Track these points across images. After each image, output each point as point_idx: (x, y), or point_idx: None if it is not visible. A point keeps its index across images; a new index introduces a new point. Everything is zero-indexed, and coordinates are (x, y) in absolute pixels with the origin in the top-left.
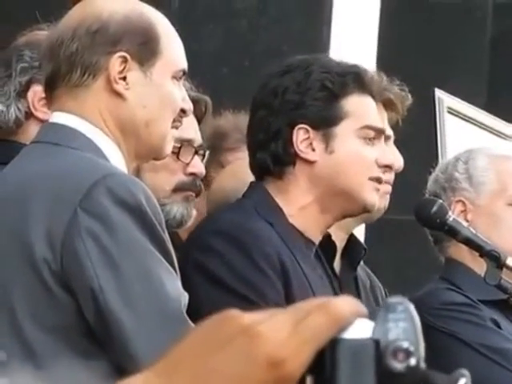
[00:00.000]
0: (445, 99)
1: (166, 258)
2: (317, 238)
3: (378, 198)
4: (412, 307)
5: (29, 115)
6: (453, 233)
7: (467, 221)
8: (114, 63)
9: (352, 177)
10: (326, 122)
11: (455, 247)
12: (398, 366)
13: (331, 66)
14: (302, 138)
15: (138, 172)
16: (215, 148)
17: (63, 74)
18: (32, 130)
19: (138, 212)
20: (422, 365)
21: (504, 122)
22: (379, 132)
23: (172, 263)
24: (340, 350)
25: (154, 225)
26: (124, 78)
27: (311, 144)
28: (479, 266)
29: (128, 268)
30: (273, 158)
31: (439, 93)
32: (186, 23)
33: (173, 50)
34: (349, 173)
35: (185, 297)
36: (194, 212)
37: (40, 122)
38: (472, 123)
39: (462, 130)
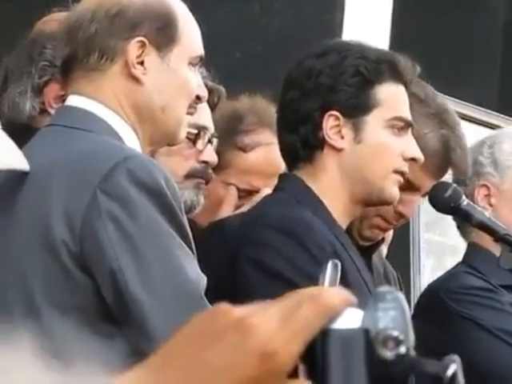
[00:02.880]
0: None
1: (184, 240)
2: (344, 224)
3: (397, 191)
4: (401, 296)
5: (43, 111)
6: (466, 217)
7: (491, 205)
8: (132, 48)
9: (377, 168)
10: (357, 110)
11: (477, 232)
12: (387, 354)
13: (367, 53)
14: (332, 124)
15: (152, 156)
16: (231, 130)
17: (80, 56)
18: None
19: (157, 194)
20: (412, 353)
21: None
22: (408, 124)
23: (190, 246)
24: (330, 340)
25: (173, 208)
26: (141, 63)
27: (340, 131)
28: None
29: (148, 250)
30: (302, 142)
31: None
32: (199, 7)
33: (190, 36)
34: (374, 164)
35: (203, 279)
36: (203, 199)
37: None
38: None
39: None
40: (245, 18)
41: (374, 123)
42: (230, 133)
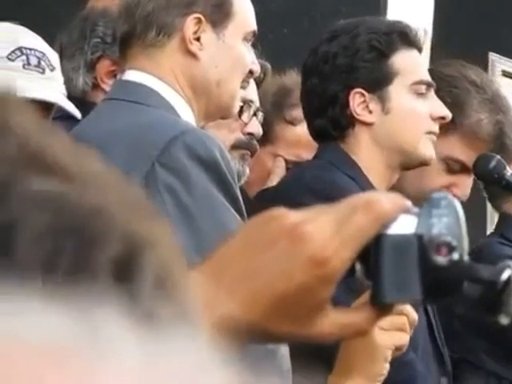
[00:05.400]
0: (498, 62)
1: (238, 212)
2: (382, 190)
3: (433, 151)
4: (456, 202)
5: (96, 86)
6: (510, 187)
7: None
8: (189, 24)
9: (409, 134)
10: (379, 82)
11: (511, 203)
12: (441, 260)
13: (376, 26)
14: (358, 101)
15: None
16: (280, 104)
17: (139, 33)
18: (98, 100)
19: (213, 168)
20: (466, 258)
21: None
22: (429, 85)
23: (243, 218)
24: (384, 245)
25: (228, 181)
26: (198, 39)
27: (367, 106)
28: None
29: (205, 224)
30: (332, 123)
31: (493, 56)
32: None
33: (245, 11)
34: (406, 130)
35: None
36: (248, 170)
37: (105, 93)
38: None
39: None
40: None
41: (397, 91)
42: (278, 107)
